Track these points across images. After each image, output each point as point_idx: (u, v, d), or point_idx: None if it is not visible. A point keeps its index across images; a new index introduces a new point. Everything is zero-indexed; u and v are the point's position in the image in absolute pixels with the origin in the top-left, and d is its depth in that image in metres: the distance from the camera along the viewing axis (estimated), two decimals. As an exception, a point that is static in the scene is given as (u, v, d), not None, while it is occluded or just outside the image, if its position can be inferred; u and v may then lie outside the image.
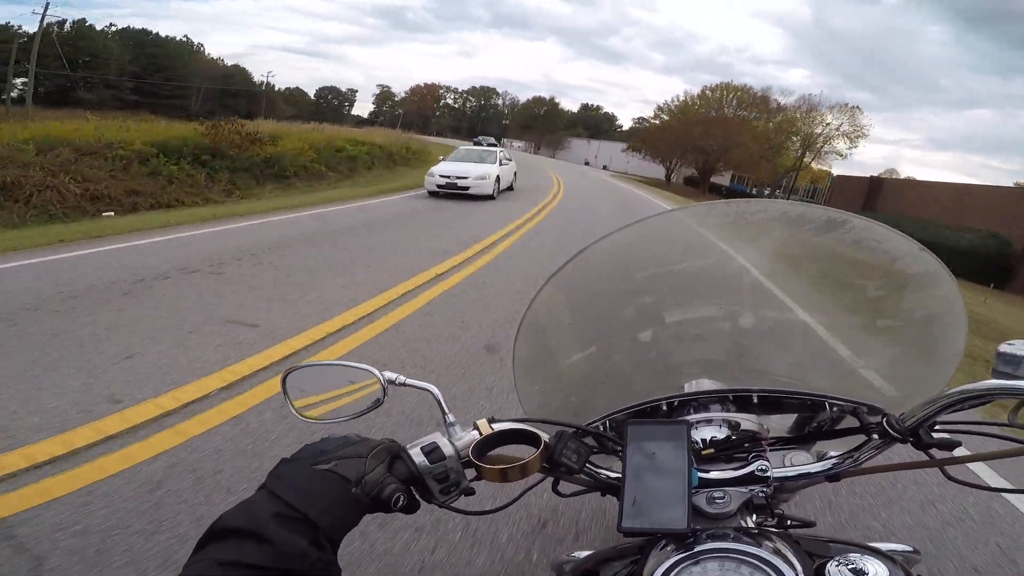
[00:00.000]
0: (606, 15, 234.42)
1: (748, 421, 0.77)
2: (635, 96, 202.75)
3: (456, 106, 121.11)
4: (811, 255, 0.96)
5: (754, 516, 0.68)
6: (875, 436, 0.69)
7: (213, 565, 0.47)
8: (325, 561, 0.51)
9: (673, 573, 0.53)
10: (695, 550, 0.55)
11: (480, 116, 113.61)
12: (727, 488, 0.67)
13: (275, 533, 0.49)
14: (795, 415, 0.85)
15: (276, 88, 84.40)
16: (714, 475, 0.68)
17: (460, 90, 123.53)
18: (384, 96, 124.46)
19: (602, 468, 0.72)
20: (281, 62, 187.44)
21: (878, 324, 0.96)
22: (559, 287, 0.92)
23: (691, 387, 0.86)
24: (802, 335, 1.00)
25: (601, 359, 1.02)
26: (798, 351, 1.00)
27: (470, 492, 0.66)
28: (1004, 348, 0.63)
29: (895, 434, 0.66)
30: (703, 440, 0.73)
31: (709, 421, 0.76)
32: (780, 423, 0.84)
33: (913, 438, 0.65)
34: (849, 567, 0.50)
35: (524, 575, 1.73)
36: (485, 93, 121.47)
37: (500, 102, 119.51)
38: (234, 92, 67.24)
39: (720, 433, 0.74)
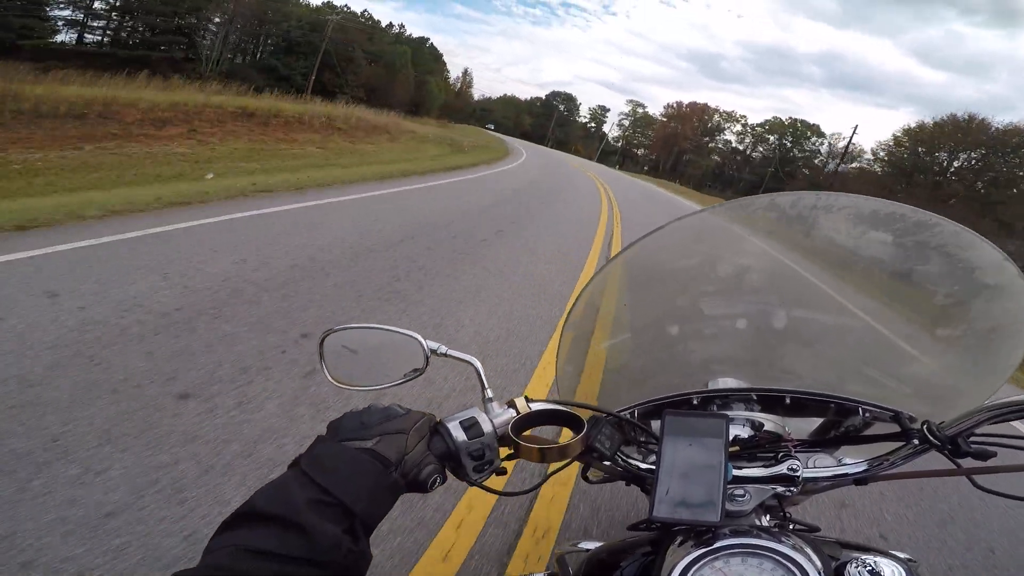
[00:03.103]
0: (999, 88, 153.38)
1: (770, 422, 0.76)
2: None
3: (740, 147, 76.09)
4: (887, 257, 0.91)
5: (767, 516, 0.68)
6: (915, 442, 0.68)
7: (240, 553, 0.44)
8: (358, 552, 0.49)
9: (695, 568, 0.52)
10: (716, 545, 0.54)
11: (778, 167, 66.74)
12: (747, 486, 0.67)
13: (309, 521, 0.46)
14: (818, 419, 0.84)
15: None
16: (745, 472, 0.68)
17: (751, 123, 74.72)
18: (641, 120, 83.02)
19: (631, 457, 0.72)
20: (595, 93, 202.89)
21: (937, 333, 0.93)
22: (622, 267, 0.90)
23: (715, 385, 0.84)
24: (838, 338, 0.97)
25: (633, 348, 1.01)
26: (829, 355, 0.97)
27: (502, 472, 0.65)
28: None
29: (936, 441, 0.65)
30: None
31: (733, 420, 0.75)
32: (798, 426, 0.83)
33: (951, 446, 0.64)
34: (867, 569, 0.50)
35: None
36: (796, 130, 69.82)
37: (823, 148, 68.18)
38: (294, 49, 46.94)
39: (744, 432, 0.74)
